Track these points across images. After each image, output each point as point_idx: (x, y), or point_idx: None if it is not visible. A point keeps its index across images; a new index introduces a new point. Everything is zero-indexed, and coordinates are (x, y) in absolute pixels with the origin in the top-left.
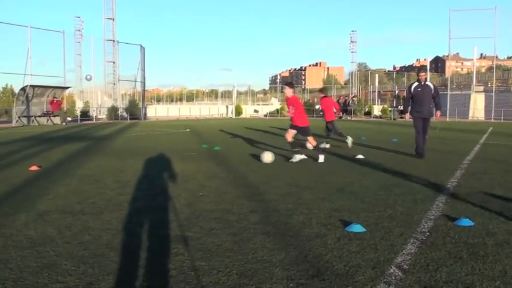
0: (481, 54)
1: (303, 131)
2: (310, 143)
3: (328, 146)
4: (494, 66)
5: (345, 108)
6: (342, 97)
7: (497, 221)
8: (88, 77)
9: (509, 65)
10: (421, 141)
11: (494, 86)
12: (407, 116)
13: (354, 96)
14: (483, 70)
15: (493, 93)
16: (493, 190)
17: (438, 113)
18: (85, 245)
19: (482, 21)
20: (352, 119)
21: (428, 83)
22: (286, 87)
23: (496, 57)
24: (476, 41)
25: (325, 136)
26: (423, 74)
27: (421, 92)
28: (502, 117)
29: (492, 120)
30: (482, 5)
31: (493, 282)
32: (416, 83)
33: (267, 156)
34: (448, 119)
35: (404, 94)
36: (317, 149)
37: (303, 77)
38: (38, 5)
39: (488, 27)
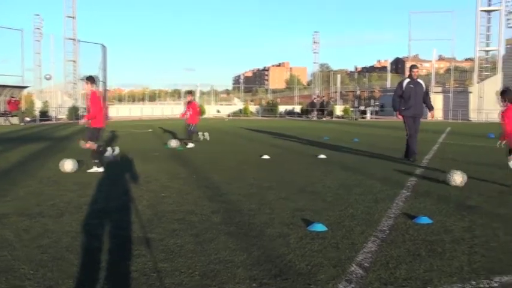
0: (440, 56)
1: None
2: (85, 145)
3: (193, 145)
4: (452, 67)
5: (322, 109)
6: (318, 97)
7: (455, 218)
8: (47, 76)
9: (467, 67)
10: (414, 144)
11: (452, 87)
12: (398, 115)
13: (331, 98)
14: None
15: (451, 94)
16: (450, 188)
17: (432, 113)
18: (44, 248)
19: (440, 23)
20: (333, 119)
21: (420, 80)
22: (85, 83)
23: (454, 58)
24: (435, 43)
25: (187, 138)
26: (416, 69)
27: (413, 89)
28: (460, 117)
29: (450, 120)
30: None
31: (450, 278)
32: (407, 79)
33: (67, 165)
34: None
35: (383, 93)
36: (95, 156)
37: (266, 77)
38: None
39: (446, 29)
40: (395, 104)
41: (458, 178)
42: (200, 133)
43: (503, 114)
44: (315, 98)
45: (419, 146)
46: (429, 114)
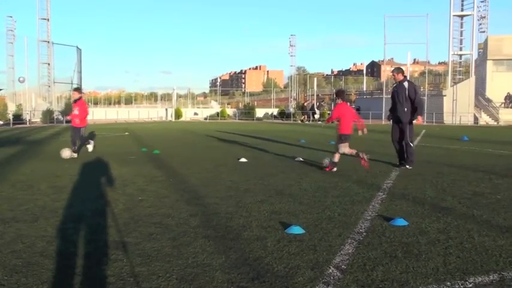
0: (414, 60)
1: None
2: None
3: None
4: (427, 71)
5: (312, 112)
6: (309, 100)
7: (430, 220)
8: (21, 79)
9: (441, 70)
10: (399, 149)
11: (426, 90)
12: (387, 119)
13: (322, 101)
14: (416, 75)
15: (426, 97)
16: (425, 191)
17: (419, 118)
18: (18, 254)
19: (415, 27)
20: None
21: (405, 83)
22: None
23: (428, 62)
24: (409, 47)
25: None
26: (396, 73)
27: (395, 93)
28: (434, 120)
29: (425, 123)
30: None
31: (426, 279)
32: (395, 84)
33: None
34: (383, 122)
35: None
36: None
37: (243, 80)
38: None
39: (420, 33)
40: (389, 110)
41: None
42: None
43: (334, 108)
44: (306, 101)
45: (394, 149)
46: (417, 118)
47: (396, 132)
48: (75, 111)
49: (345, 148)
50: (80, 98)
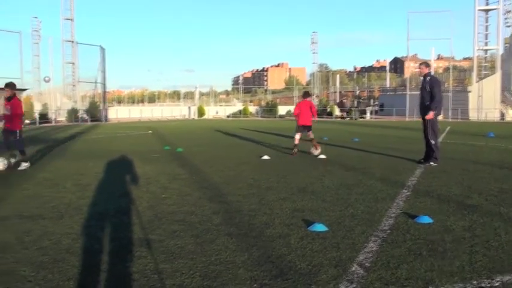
0: (438, 55)
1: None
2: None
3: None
4: (451, 67)
5: (352, 108)
6: (345, 97)
7: (455, 217)
8: (46, 78)
9: (465, 66)
10: (428, 147)
11: (451, 86)
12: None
13: (361, 97)
14: (440, 71)
15: (450, 93)
16: (450, 188)
17: (430, 113)
18: (44, 250)
19: (439, 23)
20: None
21: (428, 77)
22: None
23: (453, 58)
24: (433, 42)
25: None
26: (421, 66)
27: (420, 88)
28: (459, 117)
29: (450, 119)
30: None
31: (452, 278)
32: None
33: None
34: (407, 119)
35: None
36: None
37: (265, 78)
38: None
39: (445, 29)
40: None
41: None
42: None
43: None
44: (344, 98)
45: (419, 146)
46: (429, 113)
47: (423, 127)
48: (7, 111)
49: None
50: (14, 96)
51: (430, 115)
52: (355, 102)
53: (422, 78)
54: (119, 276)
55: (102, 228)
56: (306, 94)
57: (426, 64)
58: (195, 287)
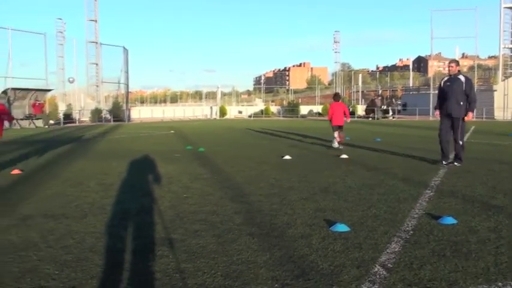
0: (463, 54)
1: None
2: None
3: None
4: (476, 65)
5: (372, 109)
6: (378, 96)
7: (480, 218)
8: (71, 79)
9: (490, 64)
10: (445, 145)
11: (476, 85)
12: (436, 113)
13: (394, 97)
14: (465, 69)
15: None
16: (475, 188)
17: (470, 114)
18: (68, 249)
19: (463, 21)
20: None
21: (460, 76)
22: None
23: (477, 56)
24: (457, 41)
25: None
26: (452, 64)
27: (450, 87)
28: (484, 116)
29: (474, 119)
30: (464, 5)
31: (476, 280)
32: (446, 77)
33: None
34: (430, 118)
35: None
36: None
37: (287, 78)
38: (19, 6)
39: (469, 27)
40: (437, 103)
41: None
42: None
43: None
44: (376, 97)
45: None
46: (468, 114)
47: (446, 128)
48: None
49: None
50: None
51: (470, 116)
52: (385, 102)
53: (449, 76)
54: (141, 275)
55: (125, 227)
56: (337, 97)
57: (457, 62)
58: (217, 286)
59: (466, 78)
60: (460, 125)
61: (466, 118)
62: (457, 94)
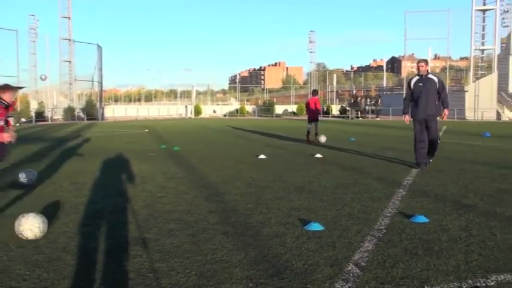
0: (435, 55)
1: None
2: None
3: None
4: (448, 66)
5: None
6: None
7: (451, 217)
8: (43, 76)
9: (462, 66)
10: (421, 148)
11: (448, 85)
12: (406, 118)
13: (377, 93)
14: (437, 70)
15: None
16: (447, 187)
17: (446, 111)
18: (40, 249)
19: (436, 22)
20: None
21: (431, 75)
22: None
23: (450, 57)
24: (430, 42)
25: None
26: (422, 64)
27: (423, 88)
28: (456, 116)
29: (446, 119)
30: (437, 7)
31: (447, 277)
32: (416, 77)
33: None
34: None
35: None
36: None
37: (262, 77)
38: None
39: (441, 28)
40: (405, 106)
41: None
42: None
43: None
44: (358, 97)
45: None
46: (444, 112)
47: (422, 129)
48: None
49: None
50: None
51: (447, 114)
52: (368, 101)
53: (420, 76)
54: (115, 275)
55: (98, 226)
56: (315, 92)
57: (427, 62)
58: (191, 286)
59: (438, 77)
60: (435, 124)
61: (444, 117)
62: (432, 94)
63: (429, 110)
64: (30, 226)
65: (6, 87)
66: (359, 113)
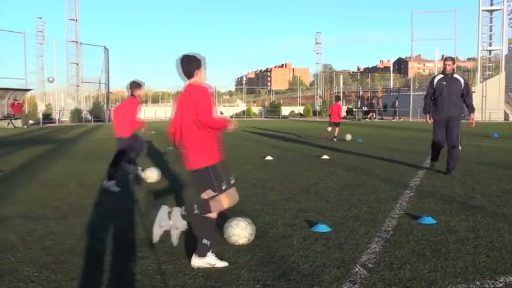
0: (442, 56)
1: None
2: None
3: None
4: (455, 67)
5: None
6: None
7: (458, 218)
8: (50, 79)
9: (469, 66)
10: (436, 148)
11: None
12: (428, 118)
13: (375, 98)
14: None
15: None
16: (454, 189)
17: (473, 116)
18: (48, 251)
19: (443, 23)
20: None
21: (457, 76)
22: None
23: (457, 58)
24: (437, 43)
25: None
26: (449, 62)
27: (445, 86)
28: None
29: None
30: (444, 7)
31: (455, 279)
32: (440, 75)
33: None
34: (411, 119)
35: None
36: None
37: (269, 78)
38: None
39: (448, 29)
40: (425, 105)
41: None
42: None
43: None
44: (374, 99)
45: (422, 146)
46: (471, 118)
47: (442, 132)
48: None
49: None
50: None
51: (474, 118)
52: (380, 103)
53: (445, 74)
54: (122, 277)
55: (105, 228)
56: (337, 98)
57: (454, 60)
58: (198, 287)
59: (465, 79)
60: (457, 128)
61: (472, 120)
62: (455, 95)
63: (451, 111)
64: (245, 233)
65: (139, 84)
66: (373, 114)
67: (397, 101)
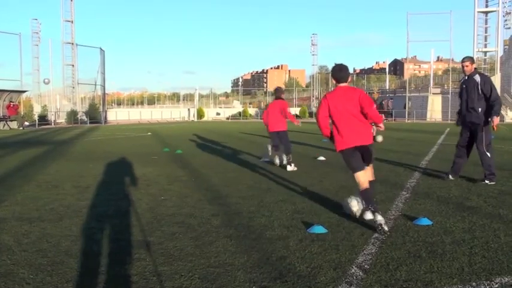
0: (438, 57)
1: None
2: None
3: None
4: (450, 68)
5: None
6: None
7: (454, 219)
8: (46, 80)
9: None
10: (458, 160)
11: (450, 88)
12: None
13: (385, 99)
14: (440, 72)
15: (450, 95)
16: (450, 190)
17: (495, 119)
18: (43, 253)
19: (438, 24)
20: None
21: (476, 75)
22: None
23: (452, 60)
24: (433, 44)
25: None
26: (467, 63)
27: (464, 90)
28: None
29: (449, 121)
30: (439, 9)
31: (451, 280)
32: (464, 77)
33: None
34: (406, 121)
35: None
36: None
37: (265, 80)
38: None
39: (444, 30)
40: (459, 108)
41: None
42: None
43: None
44: (384, 99)
45: (418, 147)
46: (493, 120)
47: (465, 137)
48: None
49: None
50: None
51: (496, 122)
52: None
53: (465, 77)
54: (118, 279)
55: (101, 230)
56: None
57: (472, 59)
58: None
59: (482, 76)
60: (485, 133)
61: (494, 124)
62: (472, 97)
63: (469, 116)
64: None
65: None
66: (387, 118)
67: (409, 102)
